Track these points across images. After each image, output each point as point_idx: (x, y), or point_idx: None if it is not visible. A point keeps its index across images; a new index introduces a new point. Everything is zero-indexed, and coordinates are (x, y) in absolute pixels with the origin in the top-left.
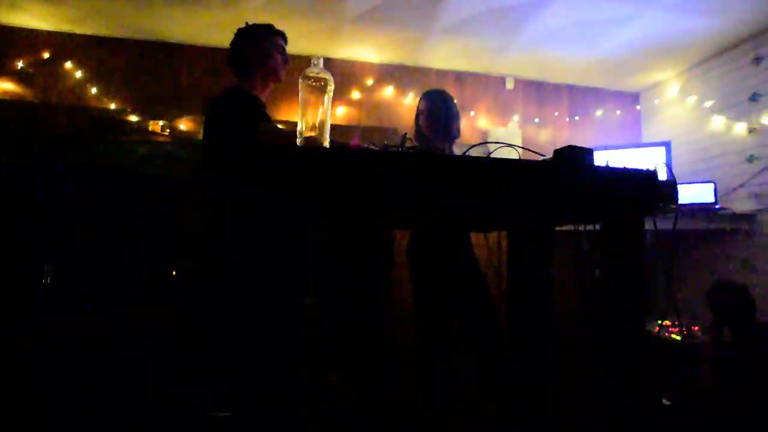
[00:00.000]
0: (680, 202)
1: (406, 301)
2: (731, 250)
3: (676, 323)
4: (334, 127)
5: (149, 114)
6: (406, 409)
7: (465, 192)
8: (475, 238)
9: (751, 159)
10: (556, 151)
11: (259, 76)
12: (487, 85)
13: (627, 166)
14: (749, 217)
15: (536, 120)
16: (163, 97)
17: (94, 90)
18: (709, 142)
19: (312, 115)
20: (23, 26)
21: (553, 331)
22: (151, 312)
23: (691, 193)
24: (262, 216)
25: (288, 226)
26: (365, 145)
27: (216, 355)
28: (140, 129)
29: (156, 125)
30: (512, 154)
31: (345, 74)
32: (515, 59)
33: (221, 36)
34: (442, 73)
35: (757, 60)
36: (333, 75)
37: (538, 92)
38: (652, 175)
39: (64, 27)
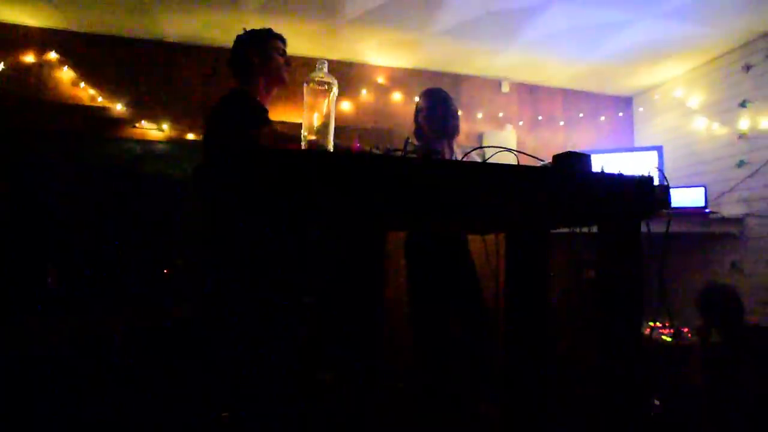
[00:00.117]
0: (672, 205)
1: (403, 300)
2: (721, 253)
3: (667, 325)
4: None
5: (144, 113)
6: (402, 408)
7: (467, 196)
8: (474, 239)
9: (740, 164)
10: (555, 157)
11: (262, 80)
12: (483, 87)
13: (623, 172)
14: (738, 221)
15: (531, 123)
16: (158, 96)
17: (88, 89)
18: (700, 147)
19: (316, 119)
20: (16, 23)
21: (549, 331)
22: (147, 311)
23: (682, 197)
24: (263, 217)
25: (290, 228)
26: (368, 149)
27: (214, 355)
28: (135, 128)
29: (150, 125)
30: (509, 157)
31: (342, 76)
32: (511, 62)
33: (218, 36)
34: (438, 75)
35: (747, 68)
36: None
37: (533, 95)
38: (648, 180)
39: (58, 25)
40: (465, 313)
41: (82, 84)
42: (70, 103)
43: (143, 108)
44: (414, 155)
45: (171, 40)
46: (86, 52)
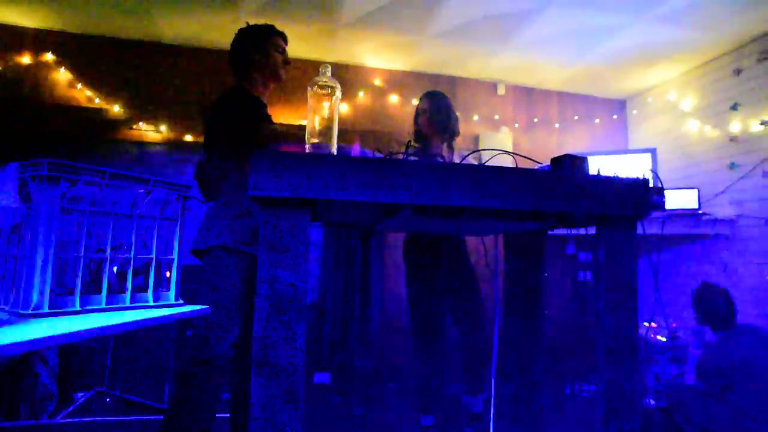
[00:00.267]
0: (666, 207)
1: (401, 301)
2: (713, 254)
3: (662, 325)
4: None
5: (141, 115)
6: (397, 409)
7: (467, 198)
8: (472, 239)
9: (732, 166)
10: (553, 160)
11: (260, 77)
12: (479, 90)
13: (619, 175)
14: (730, 223)
15: (526, 125)
16: (156, 98)
17: (85, 90)
18: (692, 149)
19: (320, 122)
20: (13, 24)
21: (544, 330)
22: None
23: (676, 199)
24: (265, 216)
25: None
26: (370, 151)
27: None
28: (132, 130)
29: (148, 126)
30: (505, 159)
31: (339, 78)
32: (507, 65)
33: (217, 37)
34: (434, 78)
35: (738, 71)
36: None
37: (529, 98)
38: (644, 183)
39: (54, 25)
40: (463, 312)
41: (79, 85)
42: (67, 104)
43: (141, 109)
44: (415, 158)
45: (169, 41)
46: (83, 53)
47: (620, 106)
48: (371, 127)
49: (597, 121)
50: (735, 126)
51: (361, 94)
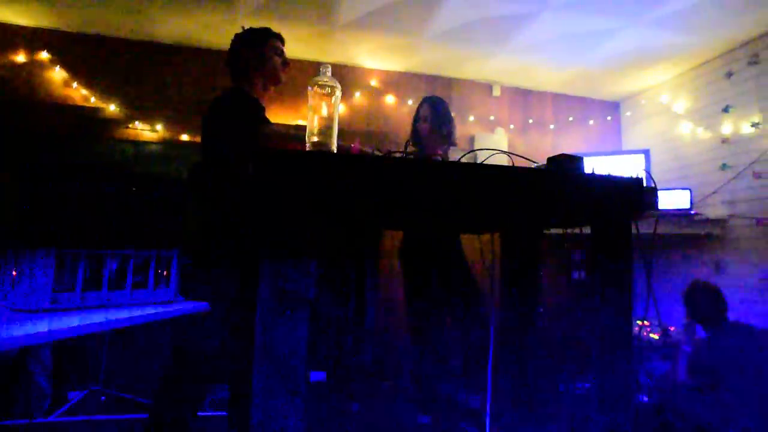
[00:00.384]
0: (659, 207)
1: (399, 299)
2: (705, 253)
3: (654, 323)
4: None
5: (137, 114)
6: (396, 405)
7: (465, 196)
8: (470, 238)
9: (724, 167)
10: (549, 159)
11: (259, 80)
12: (475, 91)
13: (613, 174)
14: (722, 223)
15: (521, 126)
16: (152, 97)
17: (81, 89)
18: (685, 150)
19: (320, 121)
20: (6, 22)
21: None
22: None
23: (668, 200)
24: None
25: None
26: (369, 150)
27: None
28: (128, 129)
29: (144, 126)
30: (501, 160)
31: (336, 78)
32: (503, 67)
33: (212, 38)
34: (431, 79)
35: (729, 74)
36: None
37: (524, 99)
38: (638, 182)
39: (49, 24)
40: (460, 310)
41: (75, 84)
42: (62, 103)
43: (137, 109)
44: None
45: (165, 41)
46: (78, 52)
47: (614, 107)
48: (367, 128)
49: (591, 122)
50: (727, 128)
51: (357, 94)
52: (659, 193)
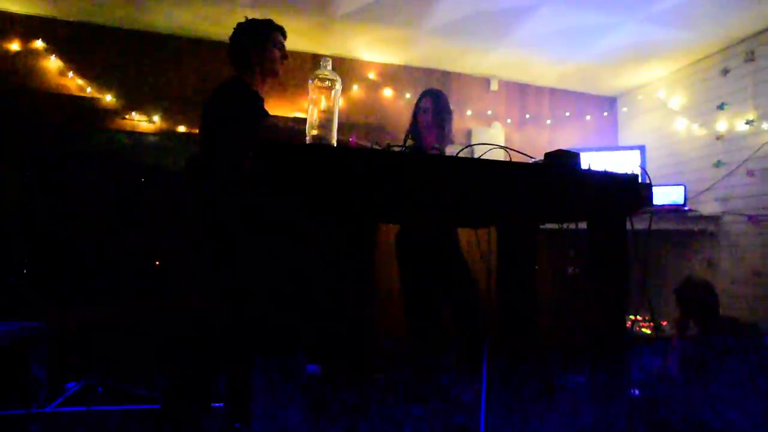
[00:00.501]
0: (654, 203)
1: (395, 293)
2: (698, 249)
3: (647, 318)
4: None
5: (134, 105)
6: (393, 398)
7: (462, 191)
8: (467, 232)
9: (718, 164)
10: (547, 155)
11: (258, 71)
12: (472, 85)
13: (610, 170)
14: (715, 219)
15: (518, 121)
16: (148, 88)
17: (76, 79)
18: (680, 147)
19: (320, 114)
20: (2, 9)
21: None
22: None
23: (663, 195)
24: (267, 209)
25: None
26: (368, 143)
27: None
28: (125, 119)
29: (141, 116)
30: (498, 154)
31: (333, 70)
32: (500, 61)
33: (211, 29)
34: (428, 72)
35: (725, 72)
36: None
37: (522, 94)
38: (634, 178)
39: (44, 12)
40: (457, 302)
41: (70, 74)
42: (58, 93)
43: (133, 99)
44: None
45: (162, 31)
46: (74, 41)
47: (611, 103)
48: (365, 121)
49: (588, 117)
50: (721, 125)
51: (355, 87)
52: (654, 188)
